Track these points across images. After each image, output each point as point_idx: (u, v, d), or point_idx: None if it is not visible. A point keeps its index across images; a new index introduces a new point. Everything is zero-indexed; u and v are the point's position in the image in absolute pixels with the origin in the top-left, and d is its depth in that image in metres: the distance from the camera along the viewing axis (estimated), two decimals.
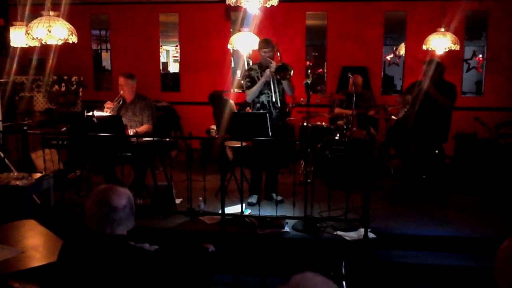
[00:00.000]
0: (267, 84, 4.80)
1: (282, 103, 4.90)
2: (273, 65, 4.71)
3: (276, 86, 4.78)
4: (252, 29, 6.07)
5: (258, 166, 5.00)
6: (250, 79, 4.88)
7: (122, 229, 2.03)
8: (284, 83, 4.80)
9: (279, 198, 4.87)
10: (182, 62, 8.03)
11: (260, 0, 4.01)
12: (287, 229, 4.27)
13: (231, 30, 7.53)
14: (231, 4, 4.07)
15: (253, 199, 4.94)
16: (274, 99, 4.79)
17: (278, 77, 4.69)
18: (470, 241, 4.15)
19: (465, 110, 6.67)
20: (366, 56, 7.42)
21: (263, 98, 4.85)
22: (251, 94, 4.86)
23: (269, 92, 4.82)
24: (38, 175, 4.45)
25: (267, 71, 4.73)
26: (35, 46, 5.18)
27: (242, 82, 5.02)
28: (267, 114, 4.54)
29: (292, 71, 4.67)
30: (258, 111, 4.85)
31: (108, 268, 1.89)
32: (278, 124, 4.85)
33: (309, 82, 6.11)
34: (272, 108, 4.83)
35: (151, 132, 5.01)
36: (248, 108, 5.80)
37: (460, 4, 6.70)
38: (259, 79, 4.83)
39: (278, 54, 4.85)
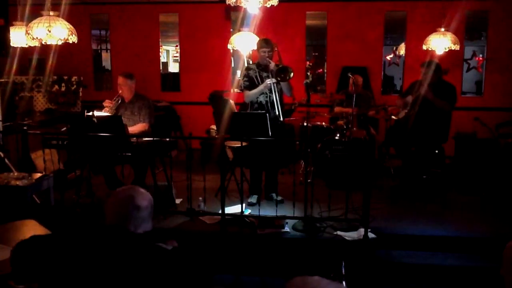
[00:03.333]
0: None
1: (280, 103, 4.89)
2: (272, 64, 4.71)
3: (274, 87, 4.77)
4: (252, 29, 6.07)
5: (257, 166, 4.99)
6: (248, 78, 4.87)
7: (142, 229, 2.05)
8: (283, 84, 4.80)
9: (279, 198, 4.87)
10: (182, 62, 8.03)
11: (260, 0, 4.01)
12: (287, 229, 4.27)
13: (231, 30, 7.53)
14: (231, 4, 4.07)
15: (253, 199, 4.94)
16: (272, 100, 4.79)
17: (279, 78, 4.69)
18: (470, 241, 4.15)
19: (465, 110, 6.67)
20: (366, 56, 7.42)
21: (261, 98, 4.85)
22: (250, 96, 4.85)
23: (267, 93, 4.81)
24: (38, 175, 4.44)
25: (268, 81, 4.72)
26: (35, 46, 5.18)
27: (240, 81, 5.02)
28: (267, 114, 4.54)
29: (292, 73, 4.66)
30: (258, 111, 4.84)
31: (131, 264, 1.90)
32: (276, 124, 4.84)
33: (309, 82, 6.11)
34: (270, 108, 4.82)
35: (146, 131, 5.00)
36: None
37: (460, 4, 6.70)
38: (257, 79, 4.82)
39: (278, 53, 4.85)
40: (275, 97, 4.77)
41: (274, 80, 4.69)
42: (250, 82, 4.85)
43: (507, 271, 1.72)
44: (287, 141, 5.69)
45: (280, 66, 4.69)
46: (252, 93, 4.81)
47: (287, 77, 4.68)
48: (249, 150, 5.00)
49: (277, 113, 4.81)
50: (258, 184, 5.03)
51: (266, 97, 4.82)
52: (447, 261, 4.00)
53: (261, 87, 4.77)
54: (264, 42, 4.83)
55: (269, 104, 4.82)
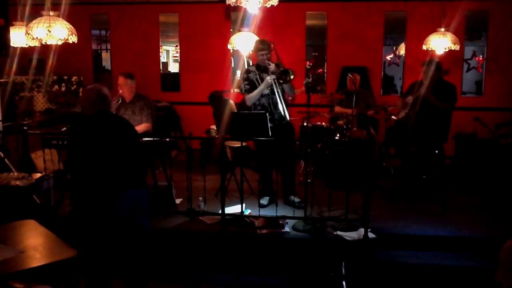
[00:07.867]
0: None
1: (283, 103, 4.87)
2: (272, 66, 4.66)
3: (276, 88, 4.74)
4: (252, 29, 6.07)
5: (263, 166, 4.93)
6: (248, 81, 4.80)
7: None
8: (285, 85, 4.77)
9: (297, 200, 4.75)
10: (182, 62, 8.03)
11: (260, 0, 4.01)
12: (287, 229, 4.27)
13: (231, 30, 7.53)
14: (231, 4, 4.07)
15: (265, 200, 4.82)
16: (274, 101, 4.76)
17: (281, 81, 4.65)
18: (470, 241, 4.15)
19: (465, 110, 6.67)
20: (366, 56, 7.42)
21: (264, 100, 4.81)
22: (251, 99, 4.78)
23: (269, 94, 4.78)
24: (38, 175, 4.45)
25: (268, 78, 4.66)
26: (35, 46, 5.18)
27: (241, 85, 4.99)
28: (267, 114, 4.52)
29: (293, 75, 4.62)
30: (257, 111, 4.83)
31: (123, 127, 3.17)
32: (282, 124, 4.81)
33: (309, 81, 6.11)
34: (273, 109, 4.80)
35: (150, 131, 5.00)
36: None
37: (460, 4, 6.70)
38: (257, 81, 4.78)
39: (275, 52, 4.80)
40: (277, 98, 4.74)
41: (274, 76, 4.65)
42: (251, 85, 4.78)
43: (506, 272, 1.70)
44: (287, 141, 5.68)
45: (281, 69, 4.65)
46: (253, 94, 4.75)
47: (288, 79, 4.65)
48: (251, 150, 4.99)
49: (282, 113, 4.78)
50: (269, 184, 4.90)
51: (269, 99, 4.79)
52: (447, 261, 4.00)
53: (262, 86, 4.71)
54: (261, 44, 4.75)
55: (272, 106, 4.78)
